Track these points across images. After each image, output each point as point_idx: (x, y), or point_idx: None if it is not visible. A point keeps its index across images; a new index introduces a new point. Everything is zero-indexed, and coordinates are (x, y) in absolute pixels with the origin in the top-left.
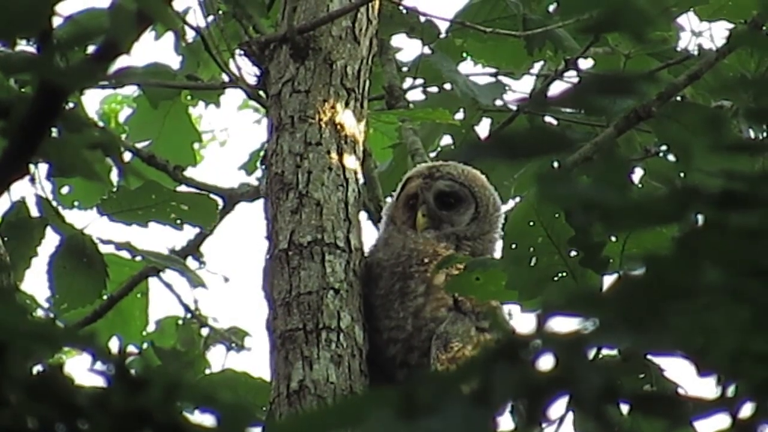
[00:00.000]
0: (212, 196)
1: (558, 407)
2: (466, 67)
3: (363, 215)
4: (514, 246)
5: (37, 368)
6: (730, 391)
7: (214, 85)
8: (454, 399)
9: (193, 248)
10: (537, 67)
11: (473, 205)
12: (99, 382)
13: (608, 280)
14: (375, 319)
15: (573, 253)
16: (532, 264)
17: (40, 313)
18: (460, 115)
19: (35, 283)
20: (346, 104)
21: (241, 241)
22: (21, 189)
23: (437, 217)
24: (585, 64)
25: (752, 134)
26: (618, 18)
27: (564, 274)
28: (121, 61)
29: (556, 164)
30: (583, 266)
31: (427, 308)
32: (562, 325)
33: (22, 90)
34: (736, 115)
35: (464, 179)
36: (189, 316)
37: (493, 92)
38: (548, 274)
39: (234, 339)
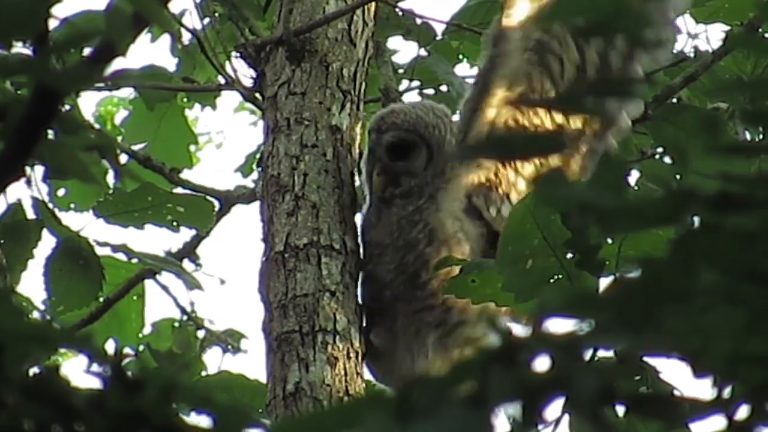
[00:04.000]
0: (208, 198)
1: (554, 409)
2: (463, 69)
3: (359, 217)
4: (510, 248)
5: (33, 370)
6: (726, 392)
7: (210, 88)
8: (449, 402)
9: (189, 250)
10: None
11: (424, 147)
12: (95, 383)
13: (604, 283)
14: (397, 294)
15: (569, 256)
16: (528, 266)
17: (36, 315)
18: (456, 117)
19: (31, 285)
20: (342, 106)
21: (238, 243)
22: (17, 191)
23: (393, 171)
24: None
25: (749, 136)
26: (614, 20)
27: (560, 276)
28: (117, 64)
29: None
30: (579, 268)
31: (427, 249)
32: (558, 326)
33: (18, 92)
34: (732, 117)
35: (409, 125)
36: (185, 318)
37: None
38: (544, 276)
39: (230, 341)
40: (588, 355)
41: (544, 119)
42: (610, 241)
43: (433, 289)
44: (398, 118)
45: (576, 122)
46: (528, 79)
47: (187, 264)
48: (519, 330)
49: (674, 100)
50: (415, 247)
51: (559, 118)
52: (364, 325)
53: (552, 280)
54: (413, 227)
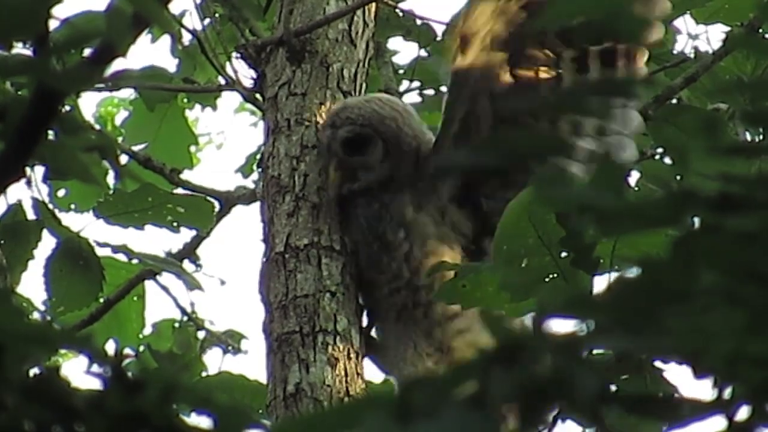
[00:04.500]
0: (209, 198)
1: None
2: None
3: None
4: (505, 247)
5: (33, 371)
6: (727, 393)
7: (210, 88)
8: (450, 402)
9: (189, 251)
10: None
11: (379, 141)
12: (95, 384)
13: (599, 281)
14: (369, 282)
15: (564, 254)
16: (524, 265)
17: (36, 315)
18: None
19: (32, 285)
20: None
21: (238, 244)
22: (17, 192)
23: (349, 166)
24: None
25: (749, 137)
26: (614, 21)
27: (555, 275)
28: (118, 64)
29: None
30: (574, 267)
31: (415, 249)
32: (558, 327)
33: (19, 93)
34: (732, 118)
35: (364, 119)
36: (185, 318)
37: None
38: (540, 275)
39: (230, 342)
40: (588, 355)
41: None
42: (604, 239)
43: (395, 272)
44: (352, 113)
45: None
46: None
47: (187, 265)
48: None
49: (674, 101)
50: (388, 244)
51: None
52: (364, 320)
53: (547, 280)
54: (379, 222)
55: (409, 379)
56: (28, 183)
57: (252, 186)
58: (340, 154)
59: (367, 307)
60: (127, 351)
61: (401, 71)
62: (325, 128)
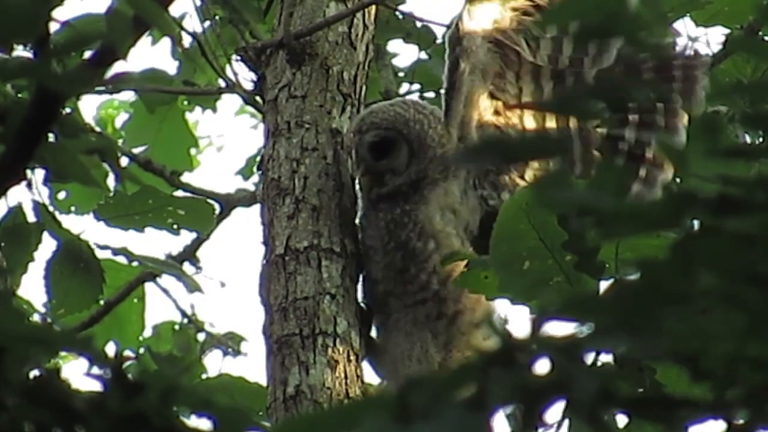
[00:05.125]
0: (209, 201)
1: (555, 412)
2: None
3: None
4: (504, 248)
5: (34, 373)
6: (726, 395)
7: (210, 91)
8: (449, 403)
9: (189, 253)
10: None
11: (404, 144)
12: (96, 386)
13: (604, 285)
14: (386, 292)
15: (567, 257)
16: (525, 267)
17: (37, 317)
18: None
19: (32, 288)
20: (343, 110)
21: (238, 246)
22: (18, 194)
23: (377, 171)
24: None
25: (748, 139)
26: (614, 23)
27: (559, 279)
28: (118, 67)
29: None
30: (578, 271)
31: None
32: (558, 329)
33: (19, 95)
34: (732, 121)
35: (388, 123)
36: (186, 321)
37: None
38: (542, 278)
39: (230, 344)
40: (589, 357)
41: (522, 120)
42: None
43: (422, 283)
44: (377, 117)
45: (553, 122)
46: (496, 72)
47: (187, 267)
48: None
49: None
50: (405, 246)
51: (539, 118)
52: (364, 322)
53: (551, 283)
54: (403, 229)
55: (413, 377)
56: (29, 185)
57: (252, 188)
58: (367, 159)
59: (368, 305)
60: (127, 353)
61: (401, 74)
62: (354, 134)
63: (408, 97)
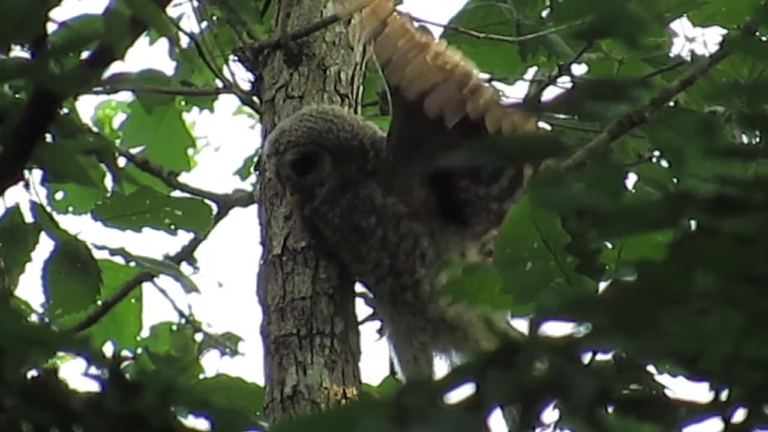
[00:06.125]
0: (206, 201)
1: (552, 412)
2: None
3: None
4: (508, 250)
5: (31, 373)
6: (724, 395)
7: (208, 91)
8: (446, 404)
9: (187, 253)
10: (531, 72)
11: (325, 154)
12: (93, 386)
13: (603, 286)
14: (359, 275)
15: (569, 259)
16: (527, 269)
17: (34, 318)
18: None
19: (30, 288)
20: None
21: (235, 246)
22: (15, 194)
23: (305, 186)
24: (578, 69)
25: (745, 139)
26: (611, 24)
27: (560, 280)
28: (115, 67)
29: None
30: (579, 273)
31: (389, 233)
32: (556, 329)
33: (17, 96)
34: (729, 121)
35: (305, 139)
36: (183, 321)
37: None
38: (544, 279)
39: (228, 344)
40: (587, 358)
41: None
42: (610, 245)
43: (375, 260)
44: (292, 136)
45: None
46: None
47: (185, 267)
48: (517, 331)
49: (671, 104)
50: (363, 233)
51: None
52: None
53: (552, 284)
54: (355, 212)
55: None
56: (26, 186)
57: (249, 189)
58: (292, 177)
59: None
60: (125, 353)
61: None
62: (270, 157)
63: (305, 108)
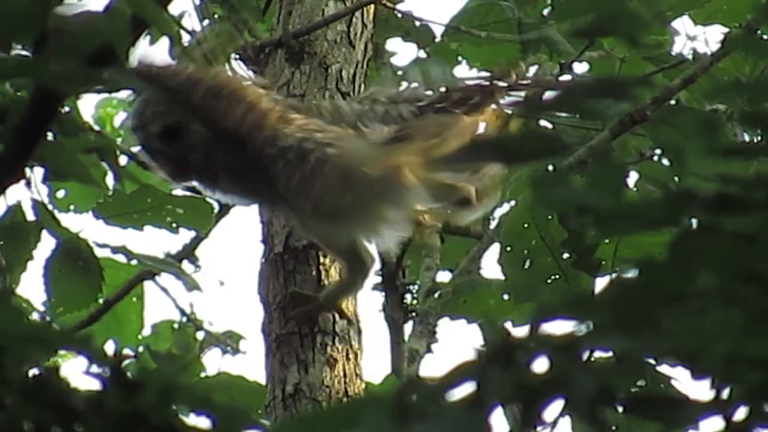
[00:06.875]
0: (208, 199)
1: (553, 410)
2: (461, 70)
3: None
4: (510, 248)
5: (33, 371)
6: (725, 394)
7: None
8: (446, 403)
9: (188, 252)
10: (532, 71)
11: (191, 119)
12: (94, 385)
13: (600, 283)
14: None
15: (566, 256)
16: (527, 266)
17: (35, 316)
18: None
19: (31, 286)
20: None
21: (237, 245)
22: (17, 193)
23: (178, 155)
24: (580, 67)
25: (747, 138)
26: (613, 22)
27: (557, 276)
28: (117, 66)
29: (550, 168)
30: (576, 269)
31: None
32: (556, 327)
33: (18, 94)
34: (730, 119)
35: (165, 107)
36: (185, 319)
37: None
38: (542, 276)
39: (229, 342)
40: (586, 355)
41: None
42: (606, 241)
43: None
44: (158, 107)
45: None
46: None
47: (186, 265)
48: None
49: (673, 102)
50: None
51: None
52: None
53: (549, 281)
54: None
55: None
56: (28, 184)
57: None
58: (164, 148)
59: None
60: (126, 352)
61: (400, 72)
62: (135, 132)
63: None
